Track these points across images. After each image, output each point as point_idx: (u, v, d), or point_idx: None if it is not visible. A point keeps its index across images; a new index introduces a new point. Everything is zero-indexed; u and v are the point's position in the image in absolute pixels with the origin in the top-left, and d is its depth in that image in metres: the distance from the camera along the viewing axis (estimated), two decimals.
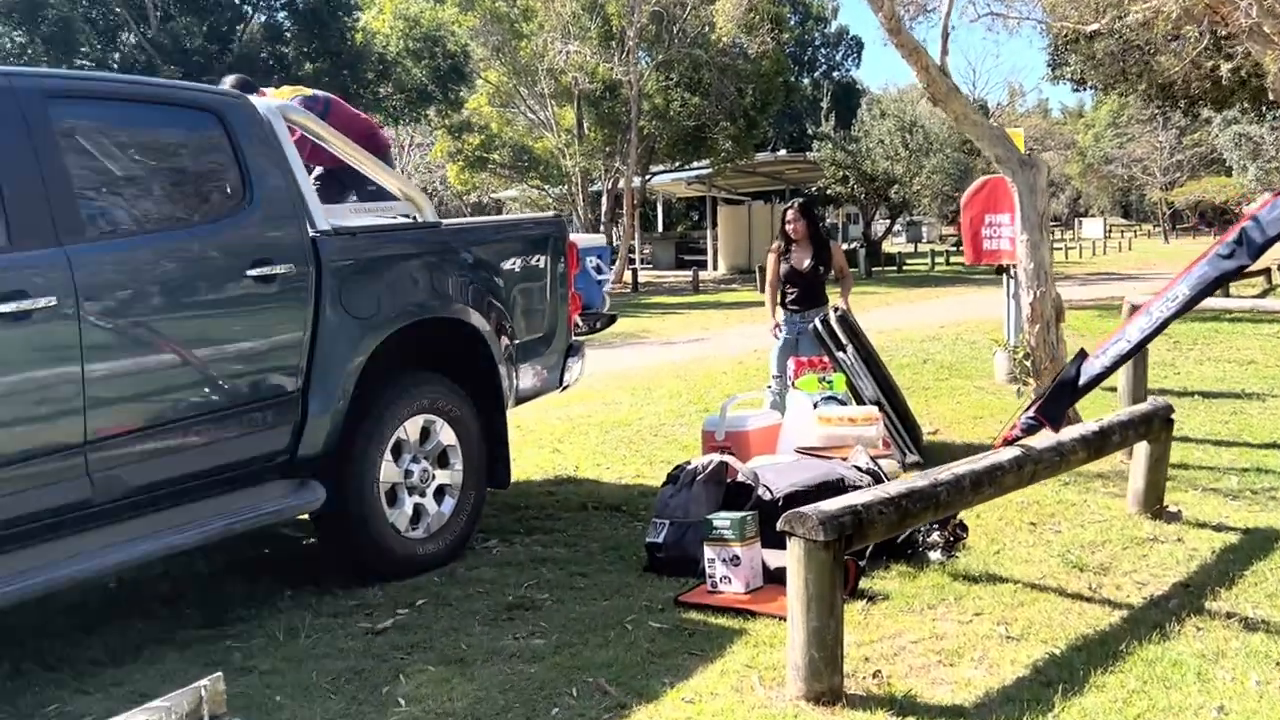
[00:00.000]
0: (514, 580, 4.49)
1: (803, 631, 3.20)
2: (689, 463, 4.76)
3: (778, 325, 7.32)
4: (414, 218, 4.87)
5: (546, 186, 31.85)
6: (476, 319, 4.77)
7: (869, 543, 3.74)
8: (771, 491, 4.51)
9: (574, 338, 5.56)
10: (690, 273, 29.03)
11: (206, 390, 3.84)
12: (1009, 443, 4.38)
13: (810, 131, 36.27)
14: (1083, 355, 4.49)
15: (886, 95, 36.45)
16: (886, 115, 34.25)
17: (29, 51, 20.24)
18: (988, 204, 9.49)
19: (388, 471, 4.44)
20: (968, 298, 21.30)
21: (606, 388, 9.86)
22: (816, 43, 54.01)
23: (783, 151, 37.19)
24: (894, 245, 47.52)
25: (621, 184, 30.17)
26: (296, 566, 4.95)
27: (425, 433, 4.67)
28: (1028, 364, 7.60)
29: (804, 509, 3.25)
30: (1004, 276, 9.72)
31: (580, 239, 5.79)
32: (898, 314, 18.00)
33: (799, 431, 5.75)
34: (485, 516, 5.37)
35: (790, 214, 7.39)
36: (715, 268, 34.76)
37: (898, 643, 3.69)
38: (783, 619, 3.46)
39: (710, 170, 32.10)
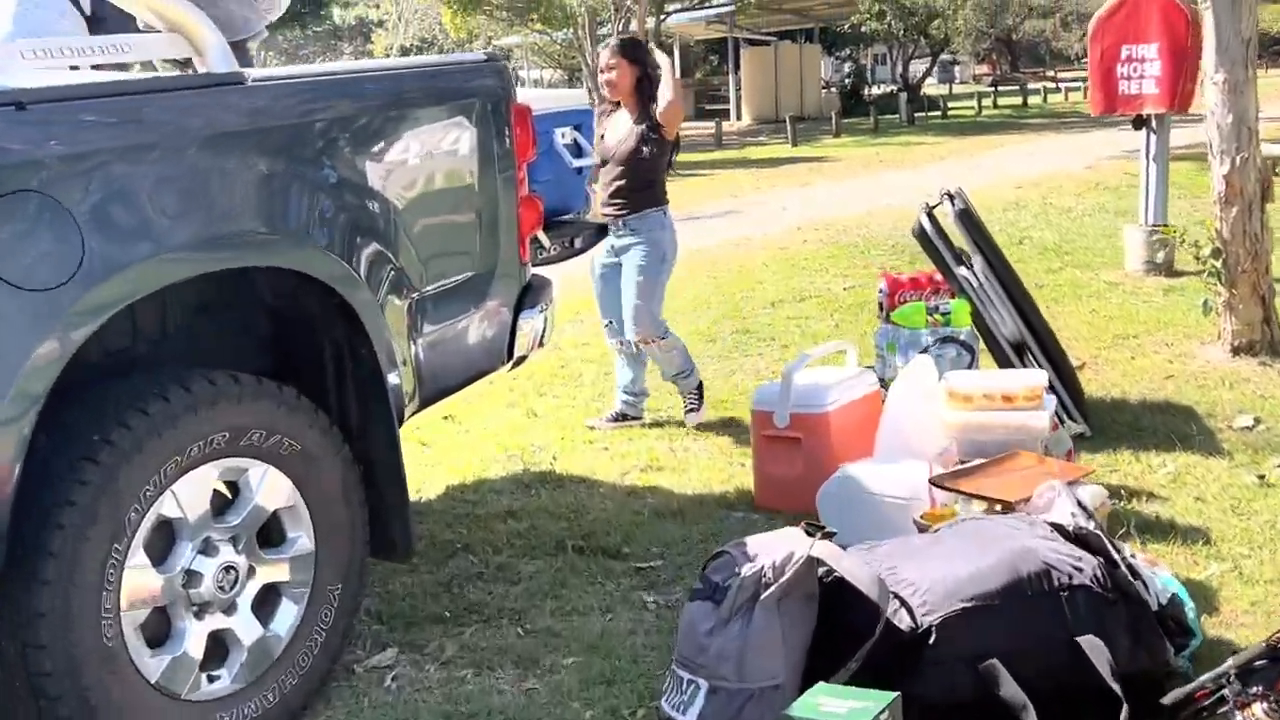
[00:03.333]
0: None
1: None
2: (741, 552, 2.38)
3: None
4: (191, 66, 2.49)
5: (550, 31, 28.72)
6: (330, 264, 2.44)
7: None
8: (912, 613, 2.23)
9: (532, 272, 3.22)
10: (712, 124, 26.19)
11: None
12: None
13: None
14: None
15: None
16: None
17: None
18: (1125, 31, 6.93)
19: (138, 584, 2.20)
20: (1034, 147, 18.59)
21: None
22: None
23: None
24: (929, 88, 43.98)
25: (634, 26, 27.03)
26: None
27: (230, 492, 2.42)
28: (1216, 263, 5.23)
29: None
30: (1145, 131, 7.20)
31: (539, 98, 3.40)
32: (958, 171, 15.37)
33: (914, 419, 3.41)
34: (386, 589, 3.15)
35: (605, 57, 4.44)
36: (739, 118, 31.75)
37: None
38: None
39: (732, 7, 28.84)
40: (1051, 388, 3.99)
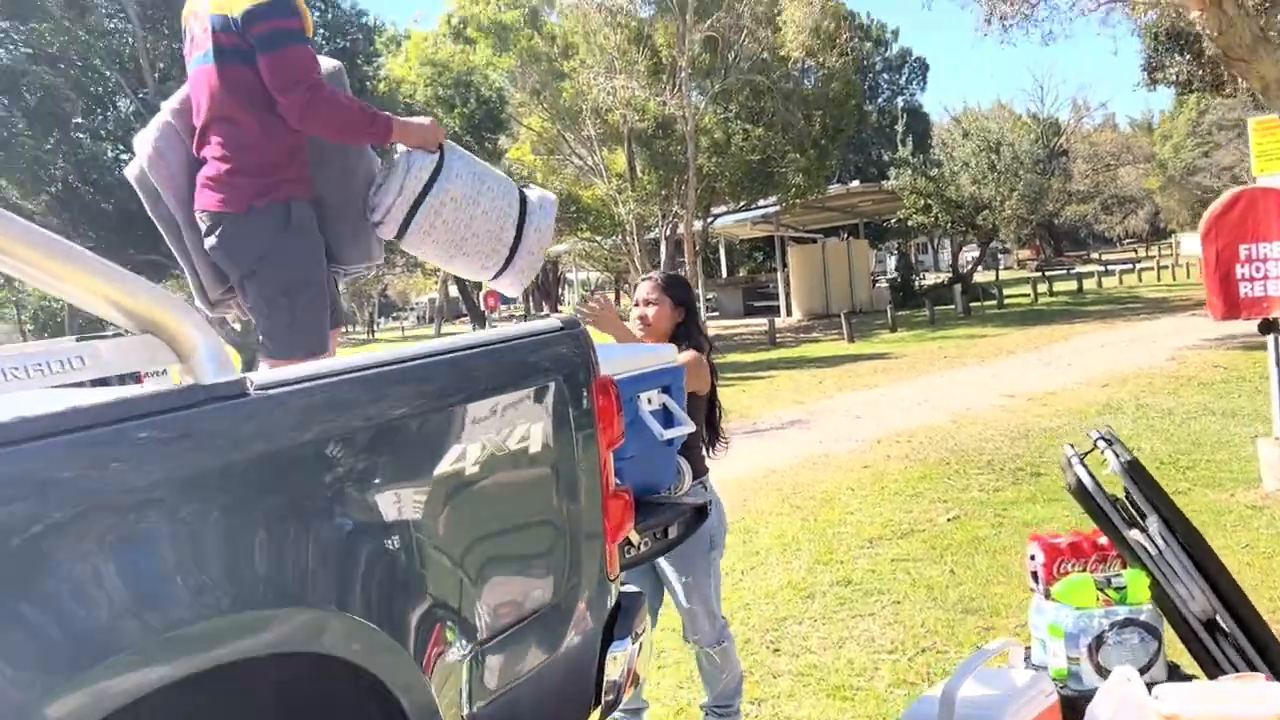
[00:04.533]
0: None
1: None
2: None
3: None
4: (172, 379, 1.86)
5: (599, 238, 28.97)
6: (360, 636, 1.74)
7: None
8: None
9: (621, 586, 2.50)
10: (763, 321, 25.90)
11: None
12: None
13: (885, 158, 33.20)
14: None
15: (968, 113, 33.06)
16: (970, 135, 30.99)
17: (11, 127, 17.89)
18: (1242, 229, 6.32)
19: None
20: (1105, 337, 17.90)
21: None
22: (878, 67, 51.15)
23: (855, 183, 34.01)
24: (977, 274, 43.82)
25: (681, 229, 27.22)
26: None
27: None
28: None
29: None
30: (1273, 336, 6.49)
31: (618, 357, 2.76)
32: (1031, 366, 14.68)
33: None
34: None
35: (645, 290, 3.79)
36: (789, 314, 31.54)
37: None
38: None
39: (778, 207, 29.04)
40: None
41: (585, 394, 2.36)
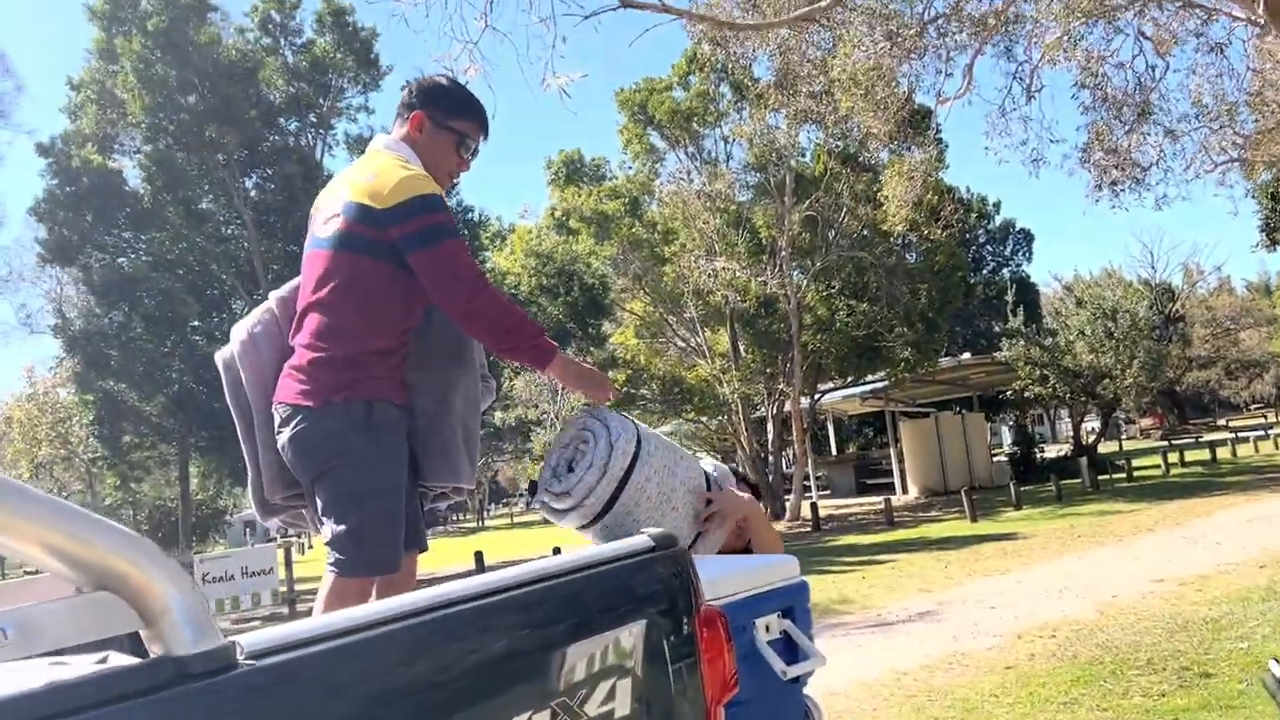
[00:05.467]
0: None
1: None
2: None
3: None
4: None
5: (703, 419, 28.62)
6: None
7: None
8: None
9: None
10: (878, 500, 24.96)
11: None
12: None
13: (994, 329, 32.53)
14: None
15: (1078, 281, 32.35)
16: (1084, 303, 30.22)
17: (131, 331, 18.57)
18: None
19: None
20: (1252, 511, 16.61)
21: None
22: (981, 239, 51.03)
23: (966, 355, 33.29)
24: (1101, 446, 42.07)
25: (788, 407, 26.74)
26: None
27: None
28: None
29: None
30: None
31: (730, 573, 2.28)
32: (1176, 546, 13.56)
33: None
34: None
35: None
36: (905, 491, 30.45)
37: None
38: None
39: (887, 382, 28.43)
40: None
41: (685, 631, 1.88)
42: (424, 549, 3.13)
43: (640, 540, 2.02)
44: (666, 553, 2.01)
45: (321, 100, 23.25)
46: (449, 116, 3.11)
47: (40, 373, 38.11)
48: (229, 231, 19.44)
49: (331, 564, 2.80)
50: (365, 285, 2.85)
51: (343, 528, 2.79)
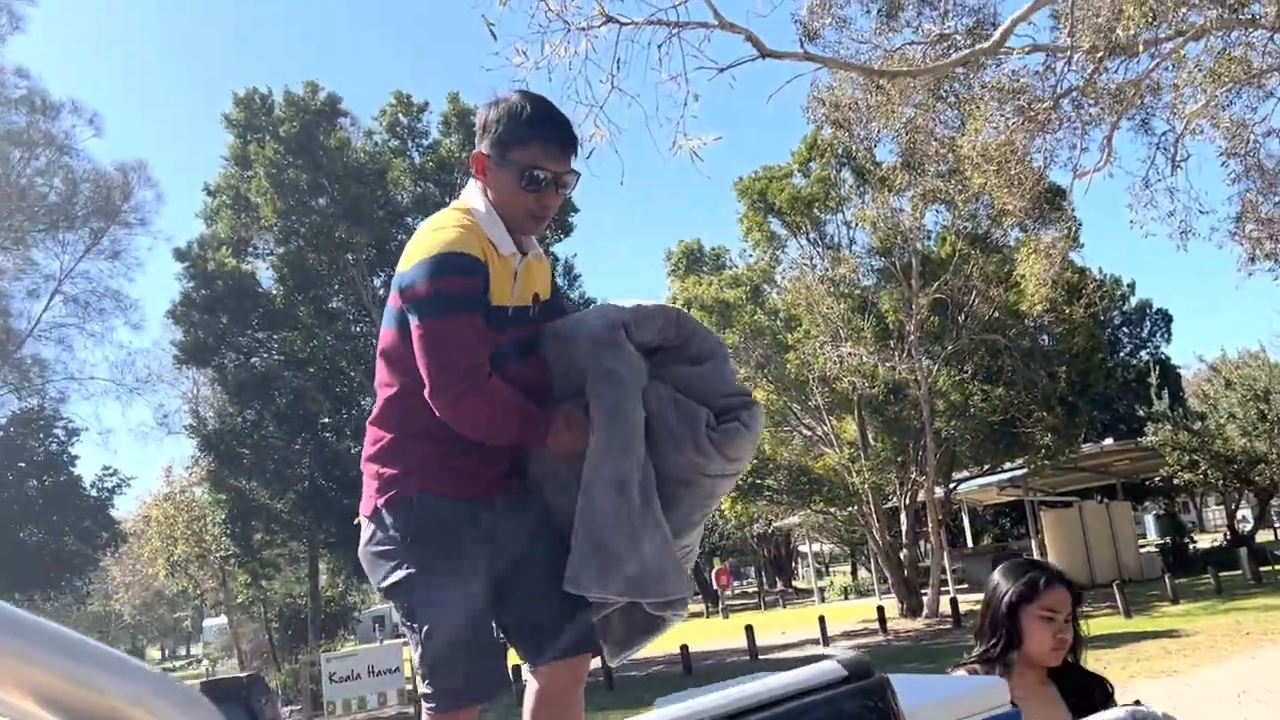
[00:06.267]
0: None
1: None
2: None
3: None
4: None
5: (833, 509, 27.75)
6: None
7: None
8: None
9: None
10: None
11: None
12: None
13: (1136, 413, 31.01)
14: None
15: (1225, 362, 30.69)
16: (1233, 385, 28.59)
17: (263, 429, 18.92)
18: None
19: None
20: None
21: None
22: (1116, 321, 49.20)
23: (1108, 440, 31.73)
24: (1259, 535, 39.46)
25: (921, 496, 25.75)
26: None
27: None
28: None
29: None
30: None
31: (935, 701, 1.85)
32: None
33: None
34: None
35: (1065, 602, 2.77)
36: None
37: None
38: None
39: (1025, 470, 27.18)
40: None
41: None
42: (572, 655, 2.46)
43: (829, 668, 1.63)
44: (865, 683, 1.63)
45: (447, 199, 23.69)
46: (507, 149, 2.49)
47: (177, 472, 39.14)
48: (357, 330, 19.81)
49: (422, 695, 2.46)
50: (398, 362, 2.44)
51: (416, 655, 2.42)
